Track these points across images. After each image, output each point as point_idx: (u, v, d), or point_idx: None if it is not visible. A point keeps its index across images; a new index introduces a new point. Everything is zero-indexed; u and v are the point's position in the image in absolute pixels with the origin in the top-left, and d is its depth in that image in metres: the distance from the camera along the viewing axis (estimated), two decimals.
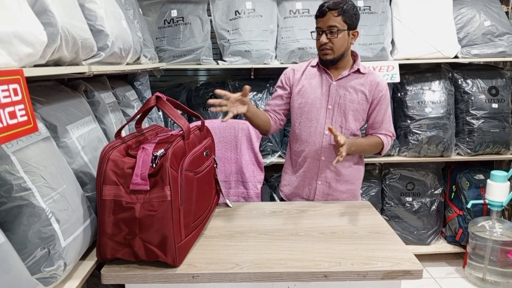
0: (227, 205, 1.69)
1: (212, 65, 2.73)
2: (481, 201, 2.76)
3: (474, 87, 2.79)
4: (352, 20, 1.66)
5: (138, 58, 1.94)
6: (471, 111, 2.76)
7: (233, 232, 1.43)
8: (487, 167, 3.02)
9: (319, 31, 1.69)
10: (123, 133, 1.30)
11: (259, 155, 2.35)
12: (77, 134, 1.22)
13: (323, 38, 1.66)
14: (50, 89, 1.26)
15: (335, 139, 1.58)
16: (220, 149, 2.31)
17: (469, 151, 2.77)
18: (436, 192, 2.94)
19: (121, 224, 1.13)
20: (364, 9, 2.69)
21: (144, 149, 1.16)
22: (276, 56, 2.72)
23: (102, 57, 1.38)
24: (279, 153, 2.75)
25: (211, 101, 1.51)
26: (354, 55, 1.79)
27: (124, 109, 1.78)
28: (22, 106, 0.82)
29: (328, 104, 1.76)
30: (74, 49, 1.12)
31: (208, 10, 2.76)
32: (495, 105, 2.75)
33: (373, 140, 1.79)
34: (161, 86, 2.95)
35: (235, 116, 2.66)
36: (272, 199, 2.79)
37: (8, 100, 0.77)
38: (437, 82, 2.80)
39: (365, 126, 1.87)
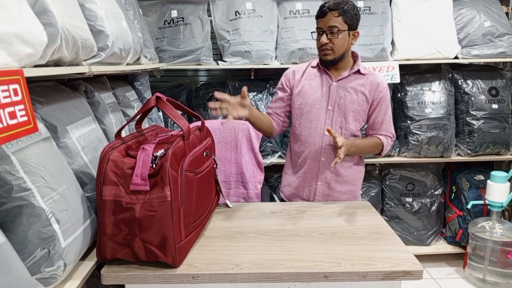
0: (227, 206, 1.69)
1: (212, 65, 2.73)
2: (481, 202, 2.76)
3: (474, 87, 2.79)
4: (352, 21, 1.66)
5: (138, 59, 1.94)
6: (471, 112, 2.76)
7: (233, 233, 1.43)
8: (487, 167, 3.02)
9: (320, 31, 1.69)
10: (123, 134, 1.30)
11: (259, 155, 2.35)
12: (77, 135, 1.22)
13: (324, 39, 1.66)
14: (50, 89, 1.26)
15: (334, 141, 1.59)
16: (220, 149, 2.31)
17: (469, 151, 2.77)
18: (436, 192, 2.94)
19: (121, 224, 1.13)
20: (364, 10, 2.69)
21: (144, 149, 1.16)
22: (276, 57, 2.72)
23: (102, 57, 1.38)
24: (279, 153, 2.75)
25: (211, 104, 1.51)
26: (354, 56, 1.79)
27: (124, 110, 1.78)
28: (22, 107, 0.82)
29: (328, 105, 1.76)
30: (74, 50, 1.12)
31: (208, 10, 2.76)
32: (495, 106, 2.75)
33: (372, 141, 1.79)
34: (161, 87, 2.95)
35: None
36: (272, 199, 2.79)
37: (8, 100, 0.77)
38: (437, 82, 2.80)
39: (366, 127, 1.87)
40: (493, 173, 2.62)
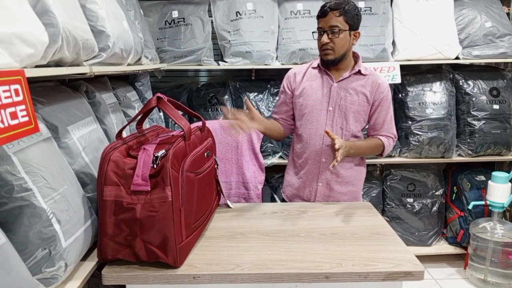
0: (228, 206, 1.69)
1: (213, 66, 2.74)
2: (482, 202, 2.75)
3: (475, 88, 2.78)
4: (353, 21, 1.66)
5: (139, 59, 1.94)
6: (472, 112, 2.76)
7: (234, 233, 1.43)
8: (488, 168, 3.01)
9: (321, 31, 1.69)
10: (124, 134, 1.30)
11: (260, 156, 2.35)
12: (78, 135, 1.22)
13: (325, 38, 1.66)
14: (51, 89, 1.27)
15: (332, 143, 1.59)
16: (221, 150, 2.31)
17: (470, 152, 2.77)
18: (437, 193, 2.94)
19: (122, 224, 1.13)
20: (365, 10, 2.69)
21: (145, 149, 1.16)
22: (277, 57, 2.72)
23: (103, 57, 1.38)
24: (280, 154, 2.75)
25: (224, 109, 1.57)
26: (355, 56, 1.79)
27: (125, 110, 1.78)
28: (23, 107, 0.82)
29: (328, 106, 1.76)
30: (75, 50, 1.12)
31: (209, 11, 2.77)
32: (496, 106, 2.75)
33: (373, 142, 1.79)
34: (162, 87, 2.95)
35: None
36: (273, 200, 2.79)
37: (9, 100, 0.78)
38: (438, 83, 2.80)
39: (367, 128, 1.86)
40: (494, 173, 2.62)
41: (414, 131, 2.73)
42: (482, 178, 2.89)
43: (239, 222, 1.54)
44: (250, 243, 1.36)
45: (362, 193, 1.95)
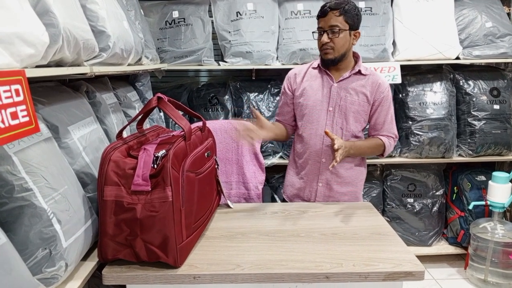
0: (228, 206, 1.69)
1: (214, 66, 2.74)
2: (483, 203, 2.75)
3: (476, 88, 2.78)
4: (353, 20, 1.66)
5: (140, 59, 1.94)
6: (472, 112, 2.75)
7: (234, 233, 1.43)
8: (488, 168, 3.01)
9: (321, 31, 1.69)
10: (125, 134, 1.30)
11: (260, 156, 2.35)
12: (79, 135, 1.22)
13: (325, 38, 1.66)
14: (51, 89, 1.27)
15: (332, 143, 1.59)
16: (221, 150, 2.30)
17: (470, 152, 2.77)
18: (437, 193, 2.94)
19: (122, 224, 1.13)
20: (365, 10, 2.69)
21: (146, 149, 1.16)
22: (277, 57, 2.72)
23: (104, 58, 1.38)
24: (280, 154, 2.75)
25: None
26: (355, 57, 1.79)
27: (126, 110, 1.78)
28: (24, 107, 0.82)
29: (329, 106, 1.76)
30: (75, 50, 1.12)
31: (210, 11, 2.77)
32: (496, 106, 2.75)
33: (373, 142, 1.78)
34: (163, 87, 2.95)
35: (237, 117, 2.66)
36: (273, 200, 2.79)
37: (10, 100, 0.78)
38: (438, 83, 2.80)
39: (368, 128, 1.86)
40: (495, 173, 2.62)
41: (415, 131, 2.72)
42: (483, 178, 2.89)
43: (239, 222, 1.54)
44: (250, 243, 1.36)
45: (362, 193, 1.95)
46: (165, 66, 2.59)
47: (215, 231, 1.45)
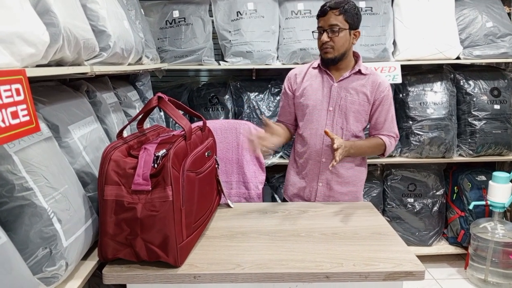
0: (228, 206, 1.69)
1: (214, 65, 2.73)
2: (483, 203, 2.75)
3: (476, 88, 2.78)
4: (353, 20, 1.66)
5: (140, 59, 1.94)
6: (473, 112, 2.75)
7: (234, 233, 1.43)
8: (489, 168, 3.01)
9: (321, 30, 1.69)
10: (125, 134, 1.30)
11: (261, 155, 2.35)
12: (79, 134, 1.22)
13: (324, 37, 1.67)
14: (52, 89, 1.27)
15: (331, 143, 1.59)
16: (222, 149, 2.30)
17: (471, 152, 2.76)
18: (437, 193, 2.94)
19: (122, 224, 1.13)
20: (366, 10, 2.69)
21: (146, 149, 1.16)
22: (277, 57, 2.72)
23: (104, 57, 1.38)
24: (281, 153, 2.75)
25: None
26: (356, 56, 1.79)
27: (126, 110, 1.78)
28: (24, 106, 0.82)
29: (329, 106, 1.76)
30: (76, 50, 1.12)
31: (210, 10, 2.77)
32: (497, 106, 2.75)
33: (374, 141, 1.78)
34: (163, 87, 2.95)
35: (237, 116, 2.66)
36: (273, 199, 2.79)
37: (10, 100, 0.78)
38: (439, 83, 2.79)
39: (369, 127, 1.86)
40: (495, 173, 2.62)
41: (415, 131, 2.72)
42: (483, 178, 2.89)
43: (239, 221, 1.54)
44: (250, 242, 1.36)
45: (362, 193, 1.95)
46: (165, 66, 2.59)
47: (215, 230, 1.45)
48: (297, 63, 2.65)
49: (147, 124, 1.87)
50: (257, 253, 1.28)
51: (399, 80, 2.63)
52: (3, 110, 0.75)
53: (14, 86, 0.79)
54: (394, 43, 2.73)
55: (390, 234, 1.43)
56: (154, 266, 1.18)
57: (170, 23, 2.74)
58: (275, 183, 2.82)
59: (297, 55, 2.64)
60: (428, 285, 2.71)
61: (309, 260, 1.24)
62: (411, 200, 2.91)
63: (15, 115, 0.79)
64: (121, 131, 1.27)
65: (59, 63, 1.10)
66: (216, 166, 1.58)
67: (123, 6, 1.78)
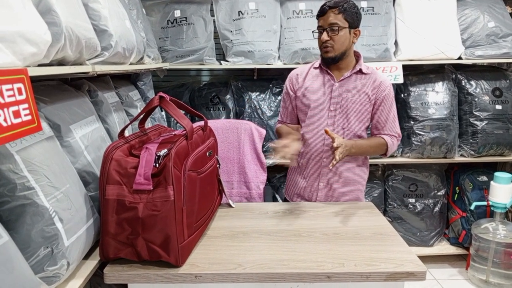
0: (229, 206, 1.69)
1: (215, 65, 2.73)
2: (485, 203, 2.75)
3: (478, 88, 2.78)
4: (353, 19, 1.66)
5: (142, 58, 1.94)
6: (474, 113, 2.75)
7: (235, 233, 1.43)
8: (490, 168, 3.01)
9: (321, 29, 1.69)
10: (126, 133, 1.30)
11: (262, 155, 2.35)
12: (81, 134, 1.22)
13: (324, 36, 1.67)
14: (53, 88, 1.27)
15: (332, 142, 1.59)
16: (223, 149, 2.30)
17: (472, 152, 2.76)
18: (439, 193, 2.93)
19: (124, 223, 1.13)
20: (367, 10, 2.69)
21: (148, 149, 1.16)
22: (279, 57, 2.72)
23: (106, 57, 1.38)
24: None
25: (272, 145, 1.65)
26: (357, 56, 1.79)
27: (127, 109, 1.78)
28: (26, 106, 0.82)
29: (330, 105, 1.76)
30: (78, 49, 1.12)
31: (212, 10, 2.77)
32: (499, 107, 2.74)
33: (375, 141, 1.78)
34: (164, 86, 2.95)
35: (238, 116, 2.66)
36: (274, 199, 2.79)
37: (12, 99, 0.78)
38: (440, 83, 2.79)
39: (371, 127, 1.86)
40: (497, 174, 2.61)
41: (416, 131, 2.72)
42: (484, 178, 2.89)
43: (241, 221, 1.54)
44: (251, 242, 1.36)
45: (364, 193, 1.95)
46: (167, 65, 2.59)
47: (216, 230, 1.45)
48: (299, 63, 2.65)
49: (148, 124, 1.87)
50: (258, 253, 1.28)
51: (400, 80, 2.63)
52: (5, 109, 0.75)
53: (16, 85, 0.79)
54: (396, 43, 2.73)
55: (391, 234, 1.43)
56: (155, 265, 1.18)
57: (172, 23, 2.74)
58: (276, 183, 2.82)
59: (298, 55, 2.64)
60: (429, 286, 2.71)
61: (310, 260, 1.23)
62: (412, 200, 2.91)
63: (17, 114, 0.79)
64: (122, 131, 1.27)
65: (61, 63, 1.10)
66: (218, 166, 1.58)
67: (124, 5, 1.78)
